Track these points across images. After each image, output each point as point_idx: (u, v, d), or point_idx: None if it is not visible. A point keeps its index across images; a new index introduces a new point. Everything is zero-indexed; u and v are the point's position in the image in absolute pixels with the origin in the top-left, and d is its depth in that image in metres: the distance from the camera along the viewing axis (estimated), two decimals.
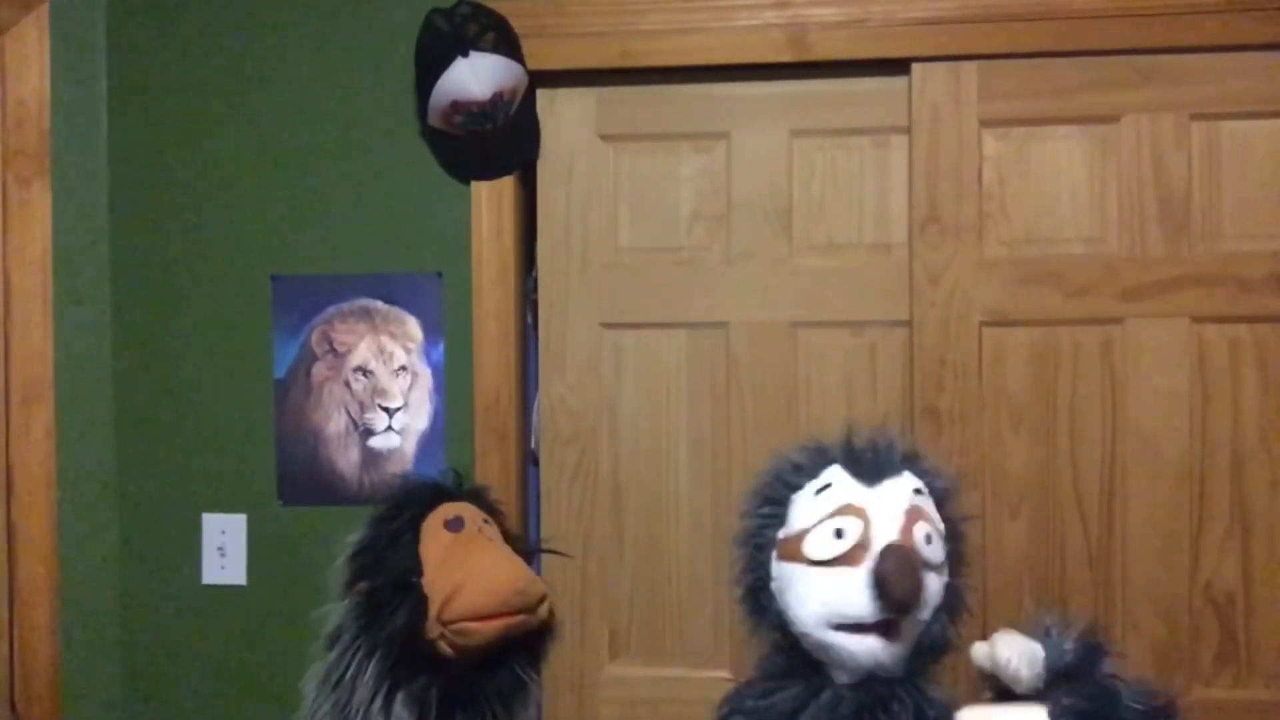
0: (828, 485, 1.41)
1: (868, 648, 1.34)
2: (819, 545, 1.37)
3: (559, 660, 2.19)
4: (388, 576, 1.58)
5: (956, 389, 2.08)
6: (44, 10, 2.08)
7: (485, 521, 1.67)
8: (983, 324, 2.09)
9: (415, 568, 1.58)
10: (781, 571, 1.42)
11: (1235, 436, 2.05)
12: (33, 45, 2.07)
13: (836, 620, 1.35)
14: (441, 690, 1.55)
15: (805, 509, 1.42)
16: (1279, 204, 2.05)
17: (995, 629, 1.33)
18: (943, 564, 1.39)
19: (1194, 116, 2.06)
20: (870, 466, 1.40)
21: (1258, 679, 2.05)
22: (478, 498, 1.74)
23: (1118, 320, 2.07)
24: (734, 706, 1.47)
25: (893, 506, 1.36)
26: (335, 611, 1.61)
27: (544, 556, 2.19)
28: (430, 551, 1.60)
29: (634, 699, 2.18)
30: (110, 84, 2.20)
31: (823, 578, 1.36)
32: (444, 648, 1.55)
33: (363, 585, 1.59)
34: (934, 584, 1.37)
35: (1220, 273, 2.05)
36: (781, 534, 1.43)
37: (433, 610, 1.55)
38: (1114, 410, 2.07)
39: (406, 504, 1.67)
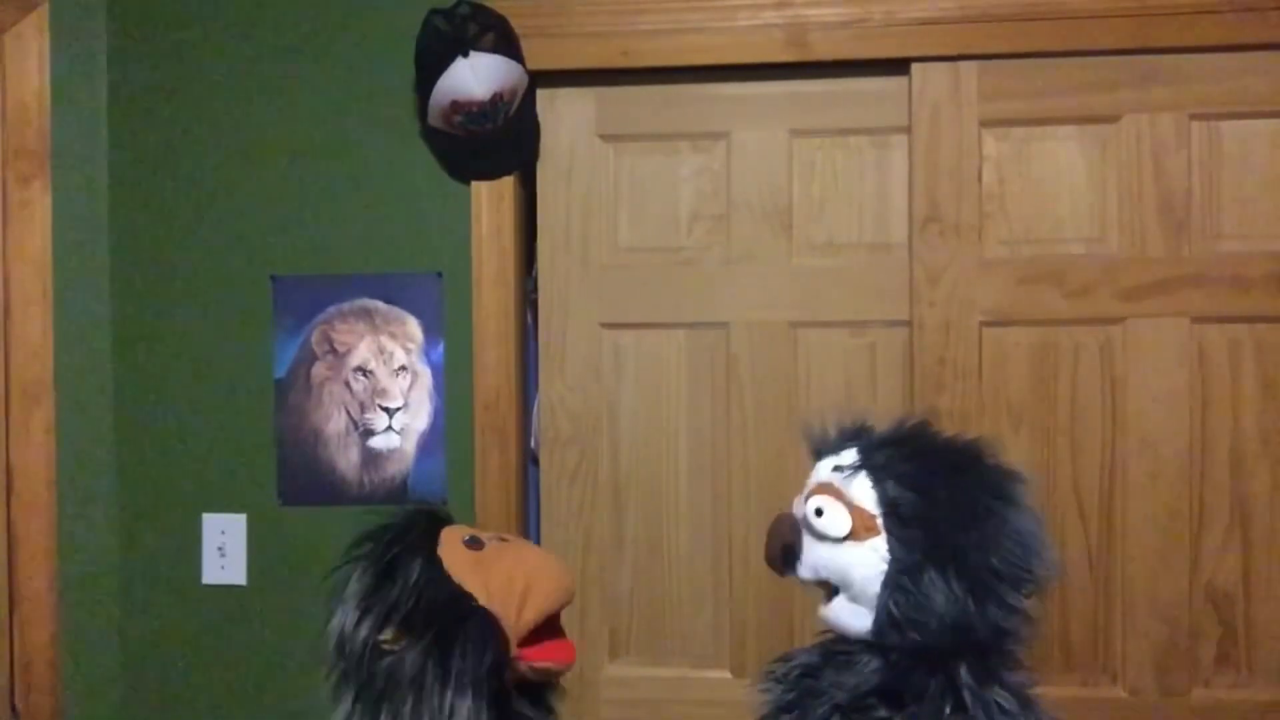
0: None
1: (822, 608, 1.47)
2: None
3: None
4: (449, 613, 1.43)
5: (956, 389, 2.08)
6: (44, 10, 2.08)
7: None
8: (983, 324, 2.09)
9: (466, 594, 1.45)
10: None
11: (1235, 437, 2.05)
12: (33, 45, 2.07)
13: None
14: None
15: None
16: (1279, 204, 2.05)
17: None
18: (848, 538, 1.41)
19: (1194, 116, 2.06)
20: (813, 447, 1.56)
21: (1258, 679, 2.05)
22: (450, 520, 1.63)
23: (1118, 320, 2.07)
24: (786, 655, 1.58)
25: (811, 481, 1.50)
26: (384, 667, 1.43)
27: None
28: (467, 575, 1.47)
29: (634, 699, 2.18)
30: (110, 84, 2.20)
31: None
32: (508, 679, 1.47)
33: (394, 635, 1.43)
34: (841, 554, 1.42)
35: (1220, 273, 2.05)
36: None
37: (510, 623, 1.45)
38: (1114, 410, 2.07)
39: (411, 539, 1.51)
